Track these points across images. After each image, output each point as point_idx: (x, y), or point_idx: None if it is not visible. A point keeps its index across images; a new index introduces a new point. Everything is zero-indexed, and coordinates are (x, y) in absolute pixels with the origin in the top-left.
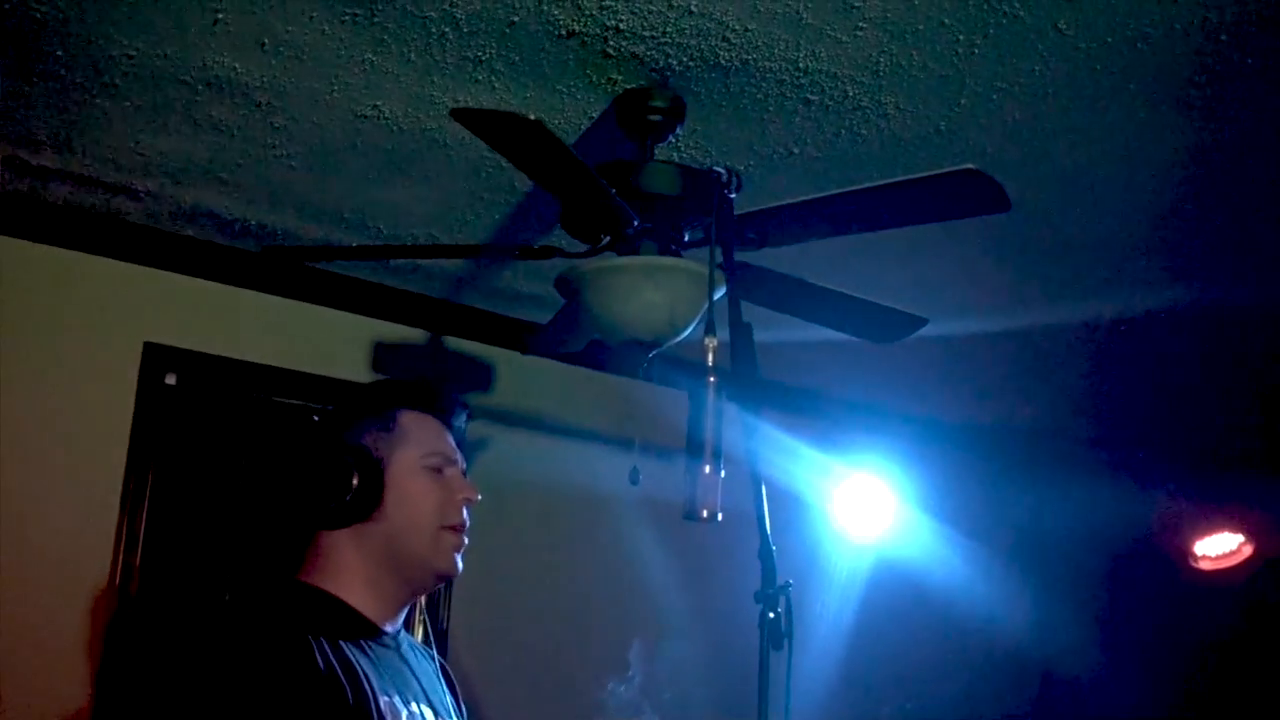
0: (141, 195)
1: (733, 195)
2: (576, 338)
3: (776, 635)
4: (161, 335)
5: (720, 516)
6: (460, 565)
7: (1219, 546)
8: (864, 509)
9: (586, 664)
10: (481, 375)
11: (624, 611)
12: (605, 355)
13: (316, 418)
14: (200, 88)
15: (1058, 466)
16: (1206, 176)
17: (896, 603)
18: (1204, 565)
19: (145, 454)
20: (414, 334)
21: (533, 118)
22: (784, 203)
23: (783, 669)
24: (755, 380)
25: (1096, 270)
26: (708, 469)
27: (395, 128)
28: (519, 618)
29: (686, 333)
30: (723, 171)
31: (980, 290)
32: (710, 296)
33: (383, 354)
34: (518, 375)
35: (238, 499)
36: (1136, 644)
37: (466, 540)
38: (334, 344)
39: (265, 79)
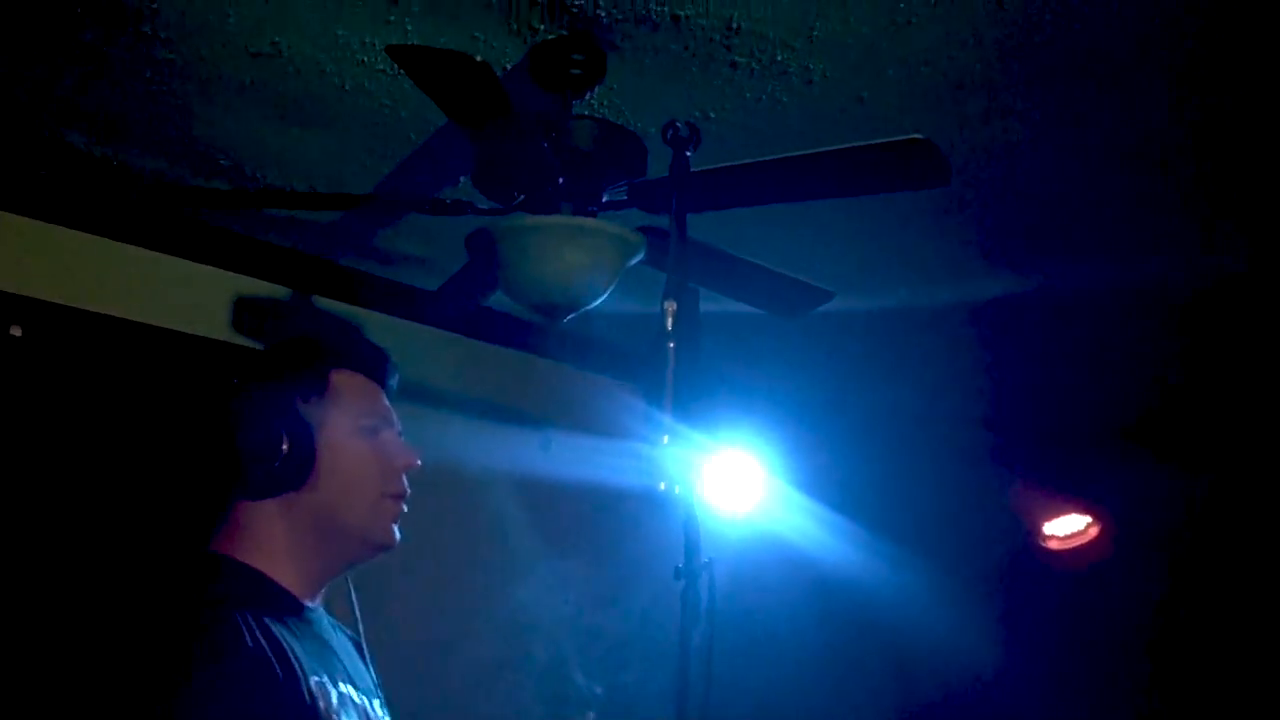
0: None
1: (689, 153)
2: (476, 300)
3: (696, 612)
4: (5, 283)
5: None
6: (399, 536)
7: (1067, 527)
8: (734, 484)
9: (480, 658)
10: None
11: (525, 595)
12: (495, 325)
13: (235, 379)
14: (76, 8)
15: (923, 446)
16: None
17: (765, 574)
18: (1052, 545)
19: None
20: (281, 292)
21: (479, 59)
22: (726, 165)
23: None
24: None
25: (969, 250)
26: (665, 438)
27: (292, 68)
28: (410, 604)
29: (602, 298)
30: (682, 126)
31: (846, 266)
32: (681, 264)
33: (245, 312)
34: (393, 341)
35: (112, 463)
36: (1001, 626)
37: (405, 509)
38: (193, 299)
39: (152, 2)
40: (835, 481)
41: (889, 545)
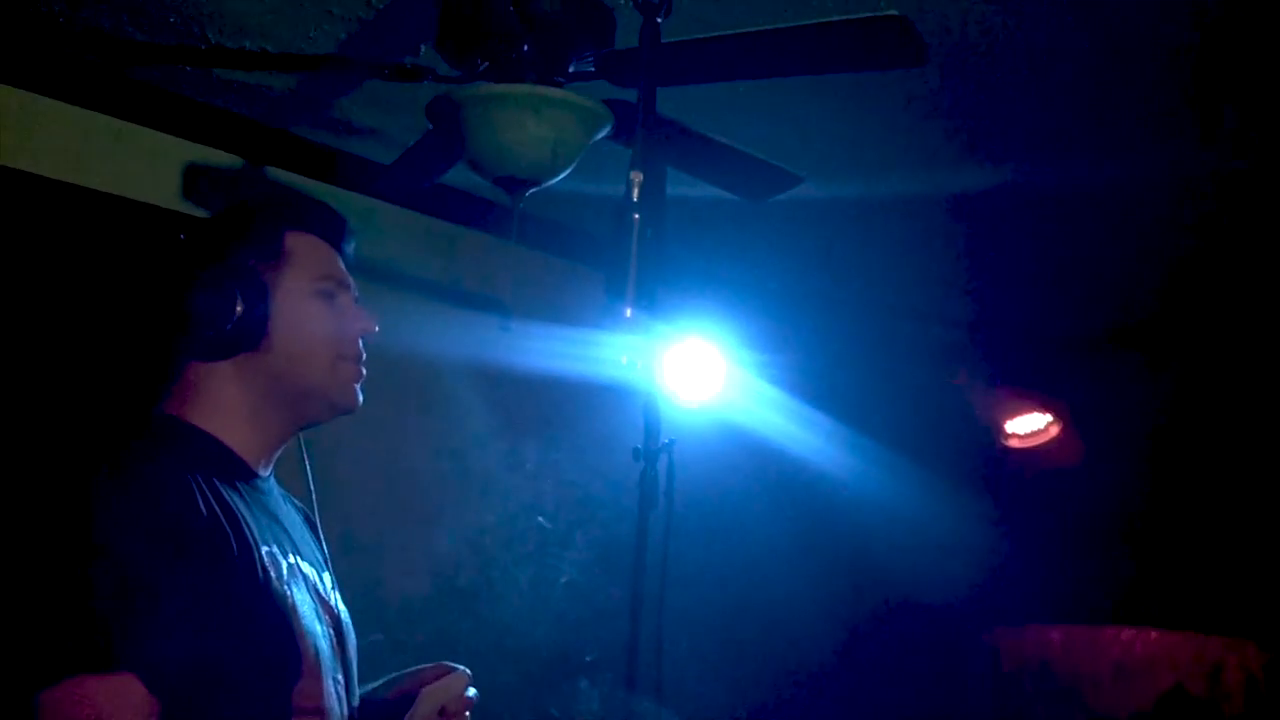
0: None
1: (660, 20)
2: (434, 174)
3: (654, 494)
4: None
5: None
6: (360, 398)
7: (1027, 425)
8: (695, 373)
9: (433, 543)
10: None
11: (481, 479)
12: (454, 203)
13: (184, 235)
14: None
15: (891, 341)
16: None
17: (725, 461)
18: (1013, 444)
19: None
20: (232, 162)
21: None
22: (698, 38)
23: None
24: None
25: (958, 140)
26: (629, 311)
27: None
28: (361, 488)
29: (566, 172)
30: None
31: (818, 152)
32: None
33: (195, 180)
34: (348, 218)
35: (56, 326)
36: (964, 521)
37: (364, 371)
38: (140, 164)
39: None
40: (799, 373)
41: (852, 437)
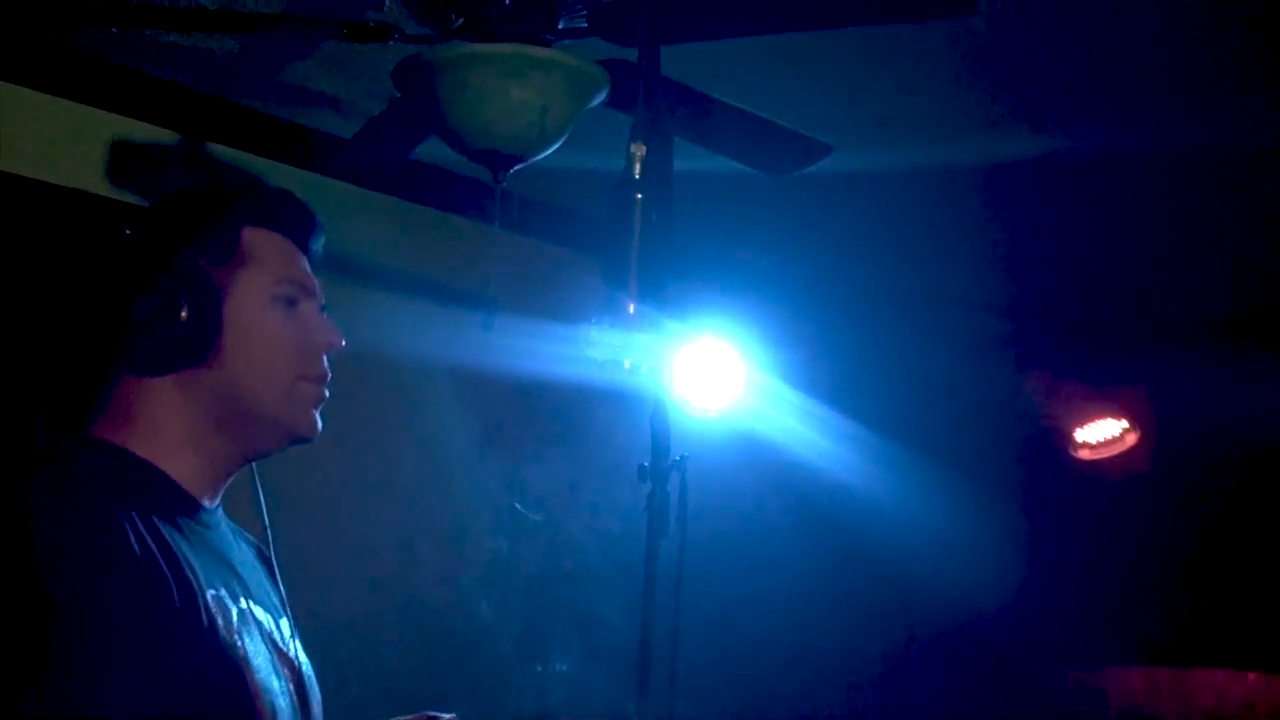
0: None
1: None
2: (403, 150)
3: (665, 519)
4: None
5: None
6: (320, 424)
7: (1100, 433)
8: (709, 377)
9: (407, 571)
10: None
11: (462, 500)
12: (426, 182)
13: (128, 230)
14: None
15: (931, 335)
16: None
17: (744, 479)
18: (1084, 455)
19: None
20: (167, 137)
21: None
22: None
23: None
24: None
25: (992, 104)
26: (632, 306)
27: None
28: (325, 511)
29: (556, 145)
30: None
31: (846, 119)
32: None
33: (126, 160)
34: (306, 198)
35: None
36: (1015, 544)
37: (328, 394)
38: (62, 143)
39: None
40: (827, 375)
41: (888, 448)
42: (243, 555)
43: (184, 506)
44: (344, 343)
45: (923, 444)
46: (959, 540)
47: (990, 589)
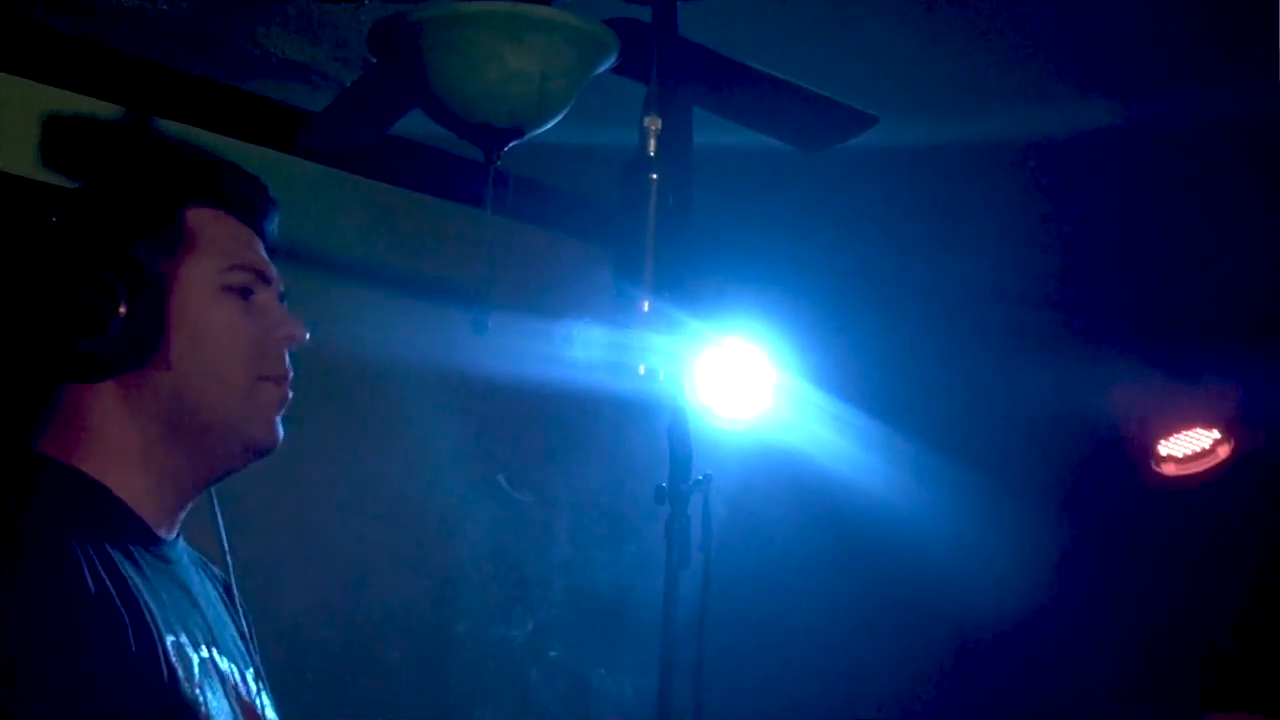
0: None
1: None
2: (381, 125)
3: (686, 548)
4: None
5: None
6: (281, 431)
7: (1188, 445)
8: (735, 384)
9: (385, 605)
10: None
11: (447, 525)
12: (408, 162)
13: (55, 217)
14: None
15: (997, 335)
16: None
17: (774, 500)
18: (1168, 470)
19: None
20: (109, 111)
21: None
22: None
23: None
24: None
25: (1071, 67)
26: (646, 303)
27: None
28: (294, 536)
29: (558, 118)
30: None
31: (887, 85)
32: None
33: (60, 138)
34: (271, 183)
35: None
36: (1093, 575)
37: (291, 395)
38: None
39: None
40: (868, 380)
41: (936, 464)
42: (206, 594)
43: (141, 536)
44: (308, 336)
45: (976, 459)
46: (1017, 568)
47: (1055, 624)
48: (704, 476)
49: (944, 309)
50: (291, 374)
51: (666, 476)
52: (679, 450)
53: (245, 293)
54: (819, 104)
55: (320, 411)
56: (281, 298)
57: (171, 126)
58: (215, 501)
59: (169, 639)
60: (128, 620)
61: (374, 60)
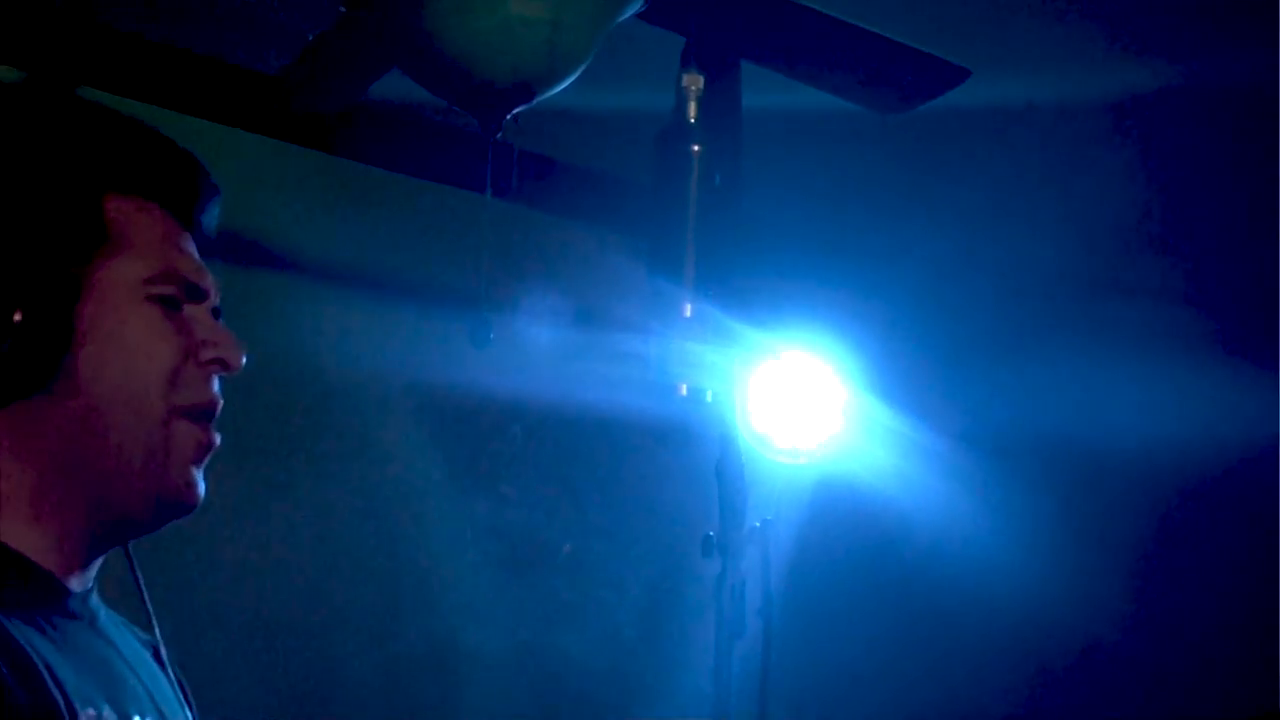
0: None
1: None
2: (356, 88)
3: (740, 613)
4: None
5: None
6: (203, 486)
7: None
8: (797, 407)
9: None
10: None
11: (435, 573)
12: (390, 136)
13: None
14: None
15: (1105, 335)
16: None
17: (846, 554)
18: None
19: None
20: (8, 74)
21: None
22: None
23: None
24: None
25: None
26: (688, 307)
27: None
28: (247, 583)
29: (573, 77)
30: None
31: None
32: None
33: None
34: (214, 164)
35: None
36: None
37: (218, 440)
38: None
39: None
40: (958, 400)
41: (1041, 502)
42: (133, 653)
43: (45, 592)
44: (244, 361)
45: (1088, 494)
46: (1137, 616)
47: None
48: (761, 523)
49: (1055, 308)
50: (219, 409)
51: (715, 524)
52: (730, 490)
53: (171, 304)
54: (900, 55)
55: (266, 437)
56: (217, 312)
57: (88, 92)
58: (133, 560)
59: (87, 713)
60: (19, 694)
61: (343, 9)
